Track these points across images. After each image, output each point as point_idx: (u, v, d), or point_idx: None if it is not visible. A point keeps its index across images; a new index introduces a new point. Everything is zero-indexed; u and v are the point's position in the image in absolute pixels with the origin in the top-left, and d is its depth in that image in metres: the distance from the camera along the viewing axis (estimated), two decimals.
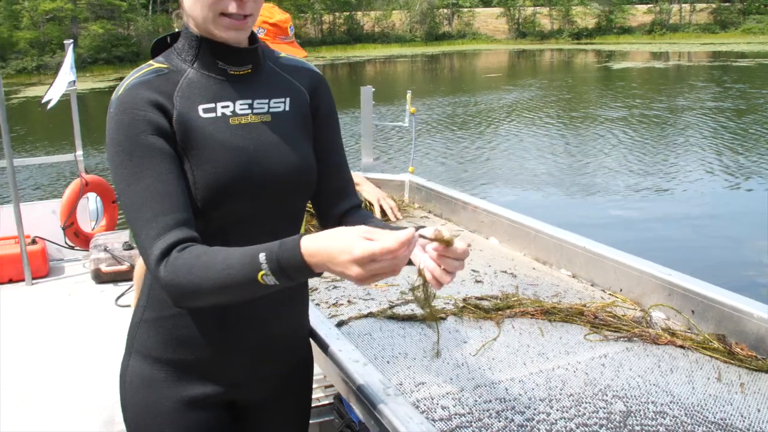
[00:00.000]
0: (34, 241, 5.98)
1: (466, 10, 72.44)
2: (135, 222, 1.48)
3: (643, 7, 70.21)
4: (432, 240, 1.41)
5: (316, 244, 1.32)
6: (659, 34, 66.90)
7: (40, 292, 5.74)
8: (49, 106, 6.11)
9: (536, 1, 70.63)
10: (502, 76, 38.84)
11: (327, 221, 1.91)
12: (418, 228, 1.43)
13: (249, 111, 1.67)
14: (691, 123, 19.78)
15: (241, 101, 1.66)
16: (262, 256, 1.36)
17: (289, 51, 3.26)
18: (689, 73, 36.66)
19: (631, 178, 13.39)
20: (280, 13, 3.31)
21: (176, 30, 1.72)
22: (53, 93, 6.14)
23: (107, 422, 3.85)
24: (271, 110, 1.71)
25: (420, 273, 1.47)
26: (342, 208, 1.90)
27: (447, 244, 1.41)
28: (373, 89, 5.28)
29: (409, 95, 5.56)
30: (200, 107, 1.60)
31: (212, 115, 1.61)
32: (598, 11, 68.96)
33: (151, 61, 1.66)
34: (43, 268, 6.04)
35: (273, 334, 1.80)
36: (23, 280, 5.86)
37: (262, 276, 1.36)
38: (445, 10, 71.62)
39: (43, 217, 6.18)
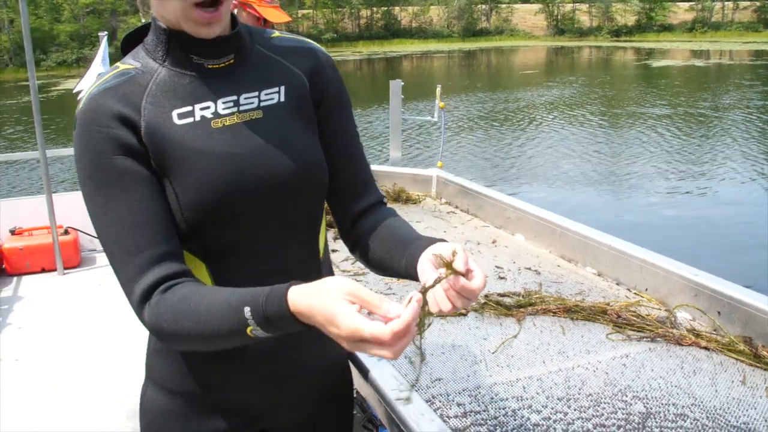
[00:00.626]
0: (66, 232, 6.05)
1: (504, 6, 72.10)
2: (111, 260, 1.31)
3: (685, 5, 69.30)
4: (446, 272, 1.19)
5: (302, 303, 1.13)
6: (700, 32, 66.00)
7: (71, 282, 5.81)
8: (80, 97, 6.17)
9: None
10: (539, 72, 38.57)
11: (344, 224, 1.65)
12: (425, 290, 1.18)
13: (234, 109, 1.41)
14: (733, 123, 19.45)
15: (223, 99, 1.40)
16: (247, 311, 1.17)
17: (273, 15, 3.28)
18: (731, 71, 36.10)
19: (667, 178, 13.19)
20: None
21: (144, 22, 1.50)
22: (84, 84, 6.21)
23: (130, 415, 3.88)
24: (262, 104, 1.44)
25: (423, 293, 1.20)
26: (359, 206, 1.61)
27: (457, 273, 1.18)
28: (402, 83, 5.26)
29: (438, 90, 5.54)
30: (174, 113, 1.36)
31: (189, 120, 1.37)
32: (638, 8, 68.21)
33: (118, 63, 1.43)
34: (75, 258, 6.11)
35: (299, 359, 1.57)
36: (55, 270, 5.93)
37: (251, 331, 1.19)
38: (484, 6, 71.33)
39: (76, 208, 6.23)
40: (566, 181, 13.19)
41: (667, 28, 68.67)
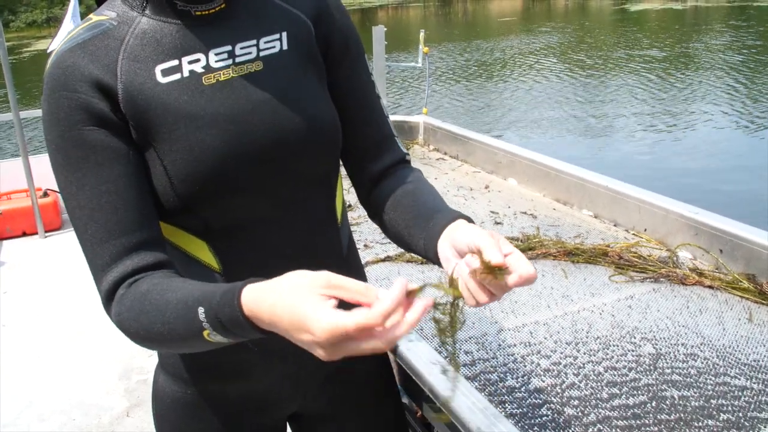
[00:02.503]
0: (45, 194, 5.94)
1: None
2: (81, 243, 1.15)
3: None
4: (480, 271, 0.98)
5: (261, 305, 0.95)
6: None
7: (53, 245, 5.72)
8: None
9: None
10: (517, 20, 38.23)
11: (362, 188, 1.44)
12: (423, 287, 0.98)
13: (230, 61, 1.19)
14: (712, 64, 19.42)
15: (216, 50, 1.19)
16: (201, 312, 1.01)
17: None
18: (708, 14, 35.95)
19: (652, 118, 13.18)
20: None
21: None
22: (56, 44, 6.06)
23: (122, 375, 3.83)
24: (261, 54, 1.22)
25: (452, 284, 1.02)
26: (378, 166, 1.39)
27: (495, 274, 0.97)
28: (385, 29, 5.14)
29: (422, 35, 5.42)
30: (158, 69, 1.16)
31: (176, 76, 1.17)
32: None
33: (91, 14, 1.21)
34: (56, 220, 6.02)
35: None
36: (36, 233, 5.84)
37: (209, 335, 1.02)
38: None
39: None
40: (550, 126, 13.14)
41: None
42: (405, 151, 1.44)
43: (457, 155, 3.96)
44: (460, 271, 1.03)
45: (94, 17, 1.19)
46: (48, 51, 6.11)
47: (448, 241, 1.10)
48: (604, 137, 12.30)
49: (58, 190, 5.08)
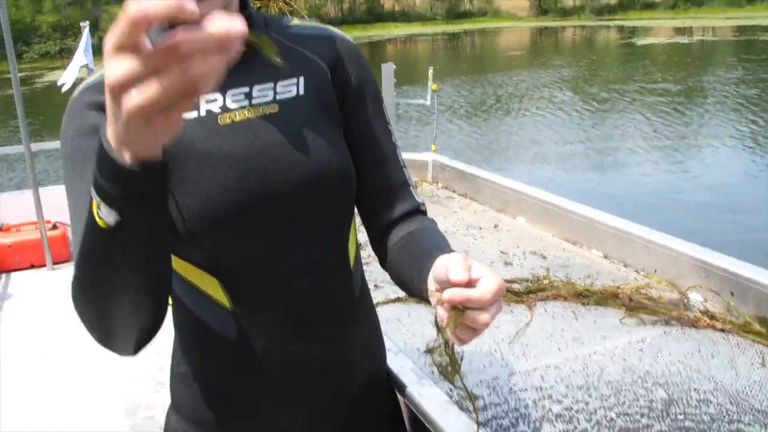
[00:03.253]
0: (55, 226, 5.95)
1: None
2: (73, 238, 1.13)
3: None
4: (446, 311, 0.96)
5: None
6: (683, 9, 66.05)
7: (61, 277, 5.72)
8: (64, 89, 6.07)
9: None
10: (525, 54, 38.49)
11: (374, 234, 1.43)
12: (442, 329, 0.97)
13: (246, 103, 1.22)
14: (719, 99, 19.47)
15: (233, 91, 1.21)
16: (92, 189, 0.90)
17: None
18: (715, 48, 36.16)
19: (662, 156, 13.13)
20: None
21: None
22: (67, 77, 6.12)
23: (129, 412, 3.81)
24: (278, 97, 1.24)
25: (439, 328, 0.99)
26: (391, 214, 1.38)
27: (456, 313, 0.95)
28: (394, 67, 5.18)
29: (431, 72, 5.46)
30: None
31: (193, 115, 1.19)
32: None
33: None
34: (64, 253, 6.02)
35: (334, 375, 1.38)
36: (45, 266, 5.85)
37: (97, 213, 0.89)
38: None
39: (63, 202, 6.14)
40: (558, 160, 13.15)
41: (650, 6, 68.70)
42: (419, 200, 1.43)
43: (466, 193, 3.97)
44: (442, 313, 1.00)
45: None
46: (59, 84, 6.16)
47: (431, 275, 1.07)
48: (614, 172, 12.30)
49: (67, 222, 5.06)
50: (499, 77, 26.97)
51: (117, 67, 0.69)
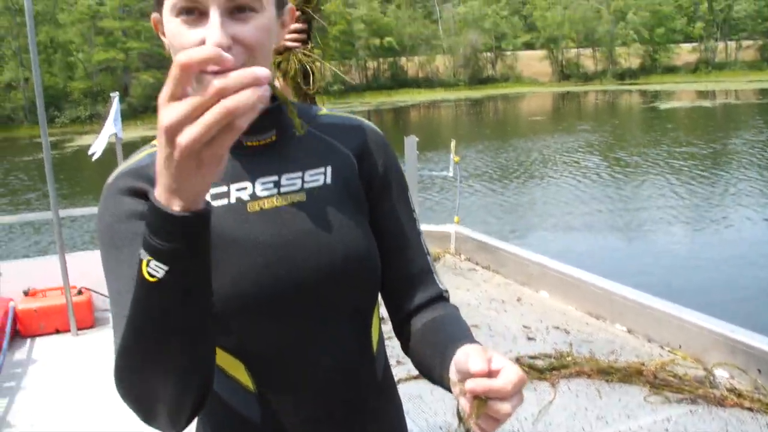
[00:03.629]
0: (80, 292, 5.99)
1: (509, 53, 72.44)
2: (113, 321, 1.16)
3: (688, 46, 69.49)
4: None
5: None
6: (705, 73, 66.14)
7: (85, 343, 5.74)
8: (94, 158, 6.19)
9: (579, 42, 70.42)
10: (547, 119, 38.66)
11: (396, 321, 1.42)
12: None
13: (275, 191, 1.25)
14: (745, 163, 19.39)
15: (262, 179, 1.25)
16: (142, 251, 0.96)
17: None
18: (738, 111, 36.14)
19: (687, 224, 13.00)
20: None
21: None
22: (98, 146, 6.23)
23: None
24: (306, 186, 1.28)
25: (461, 419, 0.99)
26: (414, 302, 1.38)
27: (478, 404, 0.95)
28: (417, 139, 5.25)
29: (453, 144, 5.52)
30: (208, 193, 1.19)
31: (223, 202, 1.23)
32: (642, 51, 68.58)
33: (153, 141, 1.25)
34: (88, 318, 6.04)
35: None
36: (69, 331, 5.88)
37: (146, 269, 0.94)
38: (489, 54, 71.71)
39: (89, 268, 6.16)
40: (583, 229, 13.09)
41: (672, 70, 68.90)
42: (442, 287, 1.39)
43: (489, 265, 3.98)
44: (463, 403, 0.98)
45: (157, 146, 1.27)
46: (90, 153, 6.27)
47: (453, 366, 1.06)
48: (639, 241, 12.20)
49: (97, 283, 5.05)
50: (523, 142, 27.09)
51: (170, 112, 0.81)
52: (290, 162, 1.27)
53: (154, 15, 1.21)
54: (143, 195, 1.18)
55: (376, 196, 1.36)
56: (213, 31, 1.06)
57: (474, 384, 0.96)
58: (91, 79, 55.67)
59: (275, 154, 1.27)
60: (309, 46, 3.12)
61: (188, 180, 0.86)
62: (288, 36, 2.83)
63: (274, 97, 1.29)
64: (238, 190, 1.23)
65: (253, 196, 1.23)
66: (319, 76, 2.90)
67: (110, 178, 1.23)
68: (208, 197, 1.18)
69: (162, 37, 1.26)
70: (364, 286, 1.32)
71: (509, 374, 0.95)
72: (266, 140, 1.27)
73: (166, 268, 0.94)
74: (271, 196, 1.24)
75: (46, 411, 4.57)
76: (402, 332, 1.42)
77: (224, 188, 1.22)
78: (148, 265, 0.94)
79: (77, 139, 40.34)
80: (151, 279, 0.94)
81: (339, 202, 1.30)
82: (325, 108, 1.41)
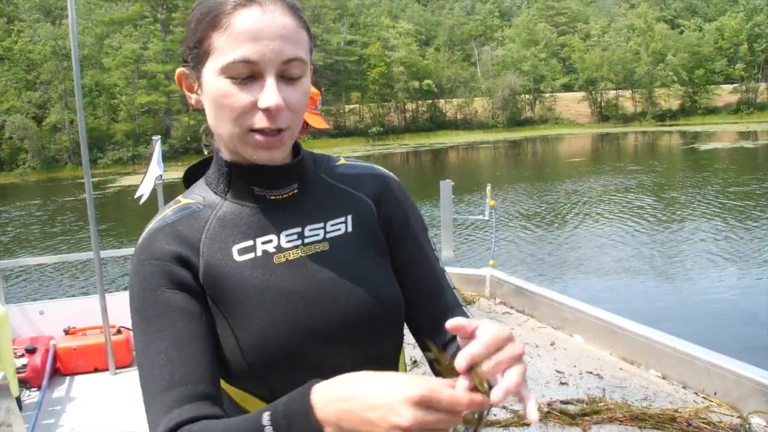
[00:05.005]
0: (119, 331, 6.08)
1: (548, 95, 72.58)
2: (144, 394, 1.20)
3: (729, 87, 69.11)
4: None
5: (341, 387, 0.97)
6: (746, 114, 65.62)
7: (123, 382, 5.81)
8: (141, 201, 6.33)
9: (618, 84, 70.32)
10: (586, 160, 38.51)
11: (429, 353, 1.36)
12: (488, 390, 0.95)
13: (299, 242, 1.30)
14: None
15: (287, 231, 1.29)
16: (266, 417, 1.02)
17: (314, 121, 3.38)
18: None
19: (724, 269, 12.81)
20: (311, 87, 3.42)
21: (207, 154, 1.41)
22: (144, 188, 6.36)
23: None
24: (328, 236, 1.32)
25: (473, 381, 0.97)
26: (443, 338, 1.39)
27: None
28: (453, 183, 5.29)
29: (488, 188, 5.56)
30: (235, 248, 1.27)
31: (250, 255, 1.27)
32: (682, 92, 68.24)
33: (179, 197, 1.35)
34: (127, 357, 6.12)
35: None
36: (107, 370, 5.95)
37: None
38: (527, 96, 71.91)
39: (128, 308, 6.28)
40: (620, 273, 12.93)
41: (712, 111, 68.45)
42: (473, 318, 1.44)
43: (524, 309, 3.98)
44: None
45: (183, 200, 1.32)
46: (136, 197, 6.40)
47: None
48: (676, 285, 12.03)
49: (131, 327, 5.16)
50: (561, 184, 26.98)
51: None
52: (312, 213, 1.33)
53: (183, 70, 1.28)
54: (182, 260, 1.23)
55: (396, 239, 1.41)
56: (272, 96, 1.13)
57: (458, 361, 0.96)
58: (133, 122, 56.89)
59: (298, 206, 1.32)
60: None
61: None
62: None
63: (296, 151, 1.36)
64: (263, 243, 1.28)
65: (279, 248, 1.28)
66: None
67: (141, 240, 1.28)
68: (235, 254, 1.26)
69: (188, 92, 1.33)
70: (390, 329, 1.36)
71: (484, 332, 0.98)
72: (289, 193, 1.31)
73: None
74: (296, 247, 1.29)
75: None
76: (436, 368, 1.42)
77: (251, 242, 1.27)
78: None
79: (119, 180, 41.15)
80: None
81: (361, 249, 1.35)
82: (342, 158, 1.46)
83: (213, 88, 1.20)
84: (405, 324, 1.43)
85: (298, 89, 1.23)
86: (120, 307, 6.07)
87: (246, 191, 1.30)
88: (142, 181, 6.51)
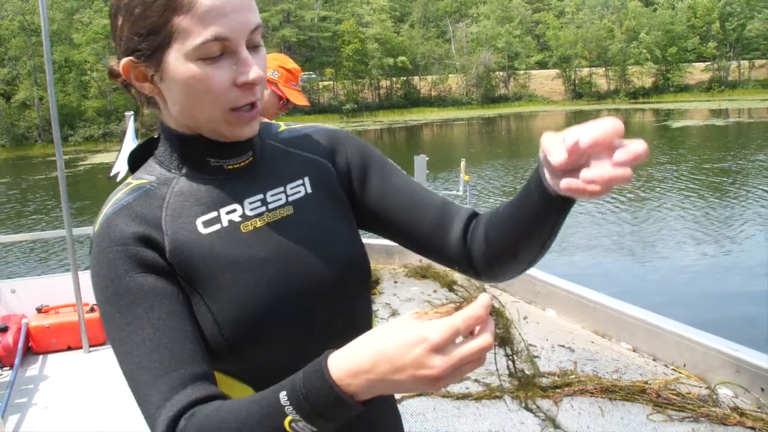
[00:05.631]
0: (92, 309, 6.03)
1: (522, 72, 72.62)
2: (135, 388, 1.14)
3: (701, 65, 69.53)
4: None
5: (357, 356, 0.94)
6: (718, 92, 66.14)
7: (97, 360, 5.77)
8: (118, 179, 6.25)
9: (592, 61, 70.52)
10: None
11: (457, 261, 1.32)
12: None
13: (263, 209, 1.27)
14: (757, 183, 19.31)
15: (249, 199, 1.27)
16: (283, 396, 0.98)
17: (296, 98, 3.36)
18: (752, 129, 36.07)
19: (696, 245, 12.90)
20: (293, 63, 3.41)
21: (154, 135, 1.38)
22: (119, 166, 6.28)
23: None
24: (290, 199, 1.30)
25: (497, 312, 0.94)
26: (456, 234, 1.31)
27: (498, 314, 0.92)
28: (427, 158, 5.29)
29: (463, 164, 5.56)
30: (199, 221, 1.23)
31: (216, 227, 1.24)
32: (655, 70, 68.60)
33: (129, 179, 1.30)
34: (101, 335, 6.05)
35: None
36: (81, 348, 5.92)
37: (289, 423, 0.97)
38: (501, 73, 71.90)
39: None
40: (591, 250, 13.05)
41: (685, 89, 68.92)
42: (470, 207, 1.37)
43: (496, 284, 4.00)
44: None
45: (133, 181, 1.27)
46: (112, 174, 6.30)
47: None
48: (646, 261, 12.14)
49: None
50: (534, 161, 27.06)
51: (467, 353, 0.85)
52: (271, 179, 1.31)
53: (130, 60, 1.22)
54: (147, 241, 1.19)
55: (362, 179, 1.39)
56: (252, 69, 1.12)
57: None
58: (105, 98, 56.21)
59: (256, 174, 1.30)
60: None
61: (410, 391, 0.94)
62: None
63: None
64: (228, 213, 1.25)
65: (245, 217, 1.26)
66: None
67: (98, 227, 1.23)
68: (200, 227, 1.23)
69: (137, 83, 1.27)
70: (360, 286, 1.34)
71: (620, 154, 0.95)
72: (245, 161, 1.29)
73: (314, 429, 0.98)
74: (261, 214, 1.27)
75: (58, 427, 4.60)
76: (471, 260, 1.32)
77: (215, 213, 1.25)
78: (293, 422, 0.97)
79: (90, 158, 40.66)
80: (290, 430, 0.98)
81: (324, 209, 1.33)
82: (282, 124, 1.45)
83: (184, 74, 1.17)
84: (411, 250, 1.39)
85: (261, 57, 1.22)
86: None
87: (201, 163, 1.28)
88: (116, 158, 6.43)
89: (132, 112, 6.79)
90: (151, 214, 1.22)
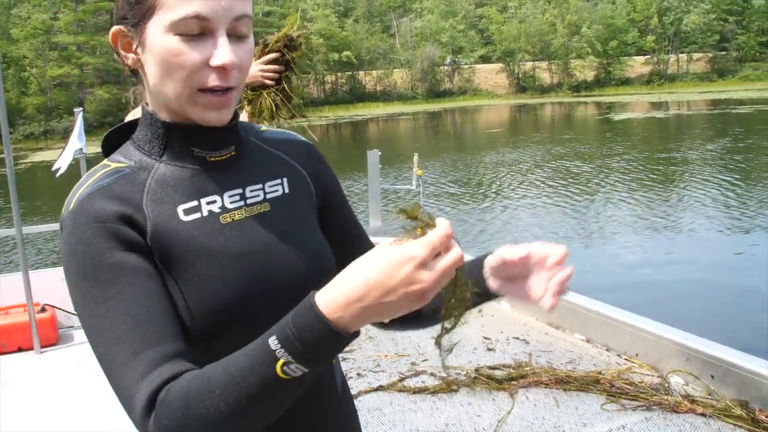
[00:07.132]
0: (43, 309, 5.91)
1: (466, 66, 73.04)
2: (110, 366, 1.10)
3: (641, 59, 70.77)
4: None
5: (347, 287, 0.97)
6: (658, 84, 67.38)
7: (49, 361, 5.66)
8: (58, 174, 6.12)
9: (535, 55, 71.27)
10: (504, 131, 38.95)
11: None
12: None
13: (242, 203, 1.29)
14: (698, 172, 19.75)
15: (229, 192, 1.28)
16: (273, 341, 0.98)
17: None
18: (690, 121, 36.85)
19: (641, 234, 13.18)
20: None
21: (131, 117, 1.36)
22: (62, 161, 6.16)
23: None
24: (268, 196, 1.33)
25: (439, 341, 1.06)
26: None
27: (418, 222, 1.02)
28: (380, 153, 5.29)
29: (415, 158, 5.58)
30: (180, 208, 1.23)
31: (196, 215, 1.24)
32: (597, 63, 69.65)
33: (105, 161, 1.28)
34: (52, 335, 5.95)
35: None
36: (32, 349, 5.80)
37: (281, 367, 0.97)
38: (446, 67, 72.31)
39: (52, 285, 6.09)
40: (541, 240, 13.19)
41: (626, 82, 70.07)
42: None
43: None
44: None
45: (111, 164, 1.26)
46: (54, 168, 6.19)
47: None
48: (595, 251, 12.34)
49: (61, 300, 4.96)
50: (481, 155, 27.30)
51: (440, 275, 0.94)
52: (251, 174, 1.33)
53: (120, 28, 1.23)
54: (129, 220, 1.17)
55: (329, 202, 1.46)
56: (225, 53, 1.13)
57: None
58: (45, 95, 54.97)
59: (237, 168, 1.32)
60: (280, 87, 3.21)
61: (396, 310, 0.96)
62: (266, 74, 3.00)
63: (233, 116, 1.33)
64: (208, 203, 1.26)
65: (224, 209, 1.27)
66: (285, 113, 3.04)
67: (73, 207, 1.19)
68: (181, 214, 1.23)
69: (123, 52, 1.28)
70: (326, 281, 1.36)
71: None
72: (228, 155, 1.31)
73: (306, 370, 0.99)
74: (240, 208, 1.29)
75: (10, 428, 4.50)
76: None
77: (195, 203, 1.25)
78: (285, 365, 0.97)
79: (31, 156, 39.74)
80: (284, 377, 0.98)
81: (298, 210, 1.38)
82: (263, 126, 1.49)
83: (160, 46, 1.17)
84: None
85: (245, 48, 1.22)
86: (44, 284, 5.89)
87: (184, 152, 1.28)
88: (60, 154, 6.31)
89: (81, 109, 6.67)
90: (133, 196, 1.21)
